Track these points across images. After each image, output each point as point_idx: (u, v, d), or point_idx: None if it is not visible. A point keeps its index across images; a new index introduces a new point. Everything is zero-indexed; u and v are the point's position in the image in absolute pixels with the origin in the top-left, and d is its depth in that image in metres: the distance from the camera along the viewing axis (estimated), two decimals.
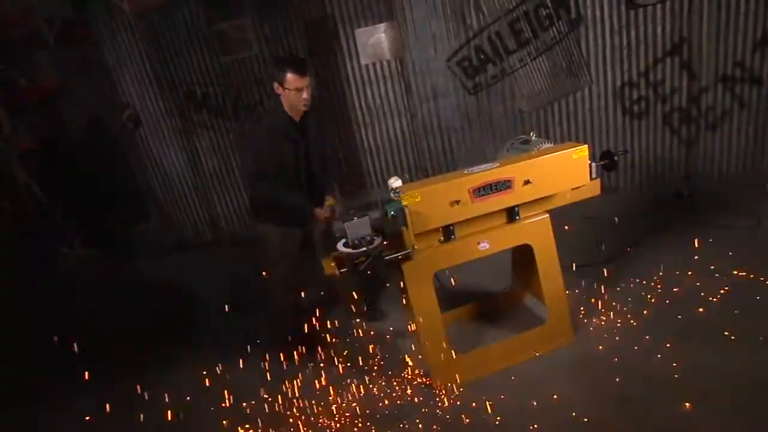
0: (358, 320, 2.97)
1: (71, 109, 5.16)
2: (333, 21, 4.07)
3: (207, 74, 4.52)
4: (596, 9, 3.85)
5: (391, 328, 2.89)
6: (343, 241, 2.06)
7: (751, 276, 2.74)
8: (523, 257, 2.52)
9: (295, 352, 2.69)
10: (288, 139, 2.47)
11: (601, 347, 2.39)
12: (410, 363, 2.51)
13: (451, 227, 2.15)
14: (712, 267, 2.88)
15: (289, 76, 2.36)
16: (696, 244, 3.05)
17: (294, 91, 2.38)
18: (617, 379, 2.16)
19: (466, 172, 2.11)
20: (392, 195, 2.13)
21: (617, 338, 2.44)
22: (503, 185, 2.09)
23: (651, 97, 4.04)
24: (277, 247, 2.63)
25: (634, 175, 4.25)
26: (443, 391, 2.28)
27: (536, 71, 4.04)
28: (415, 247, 2.03)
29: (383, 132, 4.33)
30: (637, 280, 2.92)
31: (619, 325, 2.54)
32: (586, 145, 2.19)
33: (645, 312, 2.61)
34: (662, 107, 4.05)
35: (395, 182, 2.15)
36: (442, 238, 2.17)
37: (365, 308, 3.05)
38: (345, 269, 2.01)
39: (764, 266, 2.77)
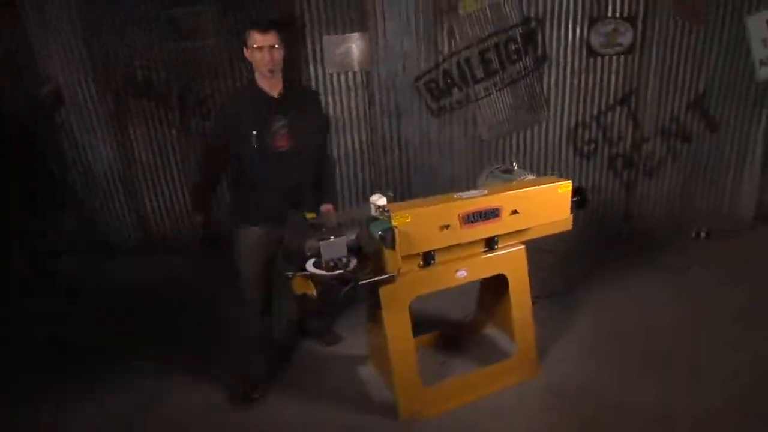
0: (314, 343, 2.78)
1: None
2: (302, 23, 3.90)
3: (152, 58, 4.13)
4: (560, 51, 4.00)
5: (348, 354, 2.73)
6: (314, 260, 1.88)
7: (693, 312, 2.91)
8: (491, 286, 2.48)
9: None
10: (252, 111, 2.15)
11: (567, 378, 2.39)
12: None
13: (433, 252, 2.05)
14: (654, 302, 3.04)
15: (251, 32, 2.13)
16: (638, 281, 3.23)
17: (257, 51, 2.11)
18: (588, 410, 2.16)
19: (455, 196, 2.03)
20: (376, 213, 2.00)
21: (582, 369, 2.46)
22: (492, 213, 2.03)
23: (600, 140, 4.24)
24: (239, 247, 2.35)
25: (577, 213, 4.42)
26: (409, 424, 2.15)
27: (500, 102, 4.11)
28: (400, 270, 1.91)
29: (341, 143, 4.18)
30: (590, 313, 3.00)
31: (580, 356, 2.57)
32: (570, 181, 2.20)
33: (604, 343, 2.67)
34: (609, 150, 4.27)
35: (379, 200, 2.01)
36: (421, 263, 2.07)
37: (319, 331, 2.85)
38: (322, 291, 1.83)
39: (702, 303, 2.97)
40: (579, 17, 3.91)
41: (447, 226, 1.95)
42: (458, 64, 4.01)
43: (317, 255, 1.82)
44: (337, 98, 4.07)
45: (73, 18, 4.08)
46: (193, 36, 4.02)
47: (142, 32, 4.08)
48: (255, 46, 2.11)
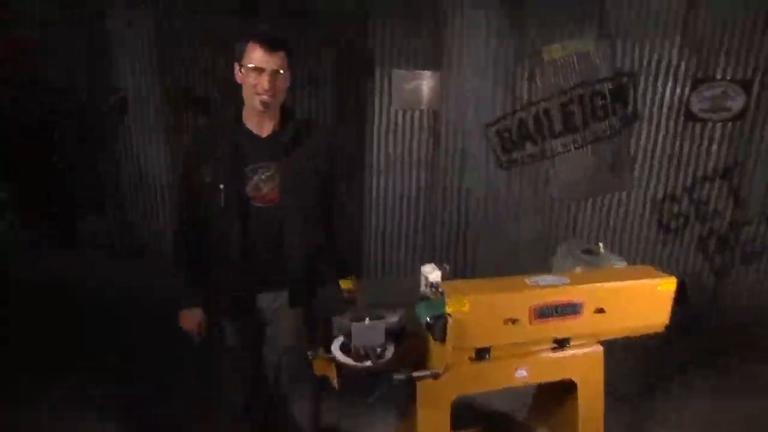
0: None
1: (56, 77, 4.59)
2: (371, 55, 3.67)
3: (215, 78, 4.03)
4: (654, 111, 3.55)
5: None
6: (341, 341, 1.52)
7: None
8: (555, 386, 2.03)
9: None
10: (225, 156, 1.65)
11: None
12: None
13: (489, 346, 1.66)
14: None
15: (251, 46, 1.58)
16: (728, 394, 2.65)
17: (253, 73, 1.57)
18: None
19: (528, 282, 1.63)
20: (427, 290, 1.64)
21: None
22: (571, 309, 1.62)
23: (691, 216, 3.71)
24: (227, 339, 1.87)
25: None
26: None
27: (578, 161, 3.69)
28: (447, 367, 1.52)
29: (397, 183, 3.86)
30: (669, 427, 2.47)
31: None
32: (673, 278, 1.76)
33: None
34: (700, 229, 3.72)
35: (433, 273, 1.65)
36: (473, 356, 1.67)
37: None
38: (345, 381, 1.47)
39: None
40: (680, 76, 3.46)
41: (514, 321, 1.56)
42: (536, 114, 3.64)
43: (348, 335, 1.47)
44: (399, 137, 3.79)
45: (150, 32, 4.10)
46: None
47: (211, 51, 4.01)
48: (252, 66, 1.57)
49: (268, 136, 1.70)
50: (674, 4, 3.29)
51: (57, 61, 4.43)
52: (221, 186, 1.64)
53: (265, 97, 1.59)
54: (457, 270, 3.83)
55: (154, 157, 4.35)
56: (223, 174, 1.65)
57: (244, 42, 1.59)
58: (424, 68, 3.64)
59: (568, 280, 1.67)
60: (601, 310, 1.66)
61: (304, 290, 1.81)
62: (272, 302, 1.80)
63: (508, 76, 3.59)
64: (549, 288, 1.61)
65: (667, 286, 1.73)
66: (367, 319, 1.44)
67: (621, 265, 1.87)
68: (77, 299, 3.54)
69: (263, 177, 1.69)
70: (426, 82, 3.66)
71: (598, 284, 1.65)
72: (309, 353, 1.51)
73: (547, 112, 3.63)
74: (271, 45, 1.58)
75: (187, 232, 1.77)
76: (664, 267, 3.74)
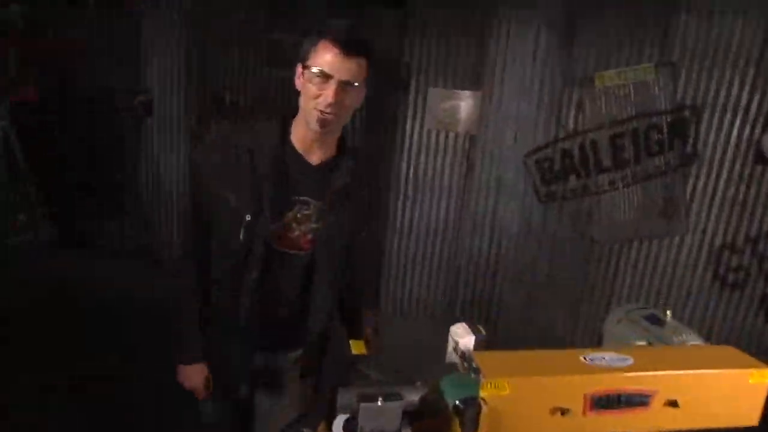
0: None
1: (86, 75, 4.50)
2: (407, 70, 3.42)
3: (244, 82, 3.85)
4: (717, 150, 3.18)
5: None
6: (346, 419, 1.22)
7: None
8: None
9: None
10: (260, 179, 1.29)
11: None
12: None
13: None
14: None
15: (321, 45, 1.21)
16: None
17: (316, 79, 1.21)
18: None
19: (583, 360, 1.30)
20: (456, 358, 1.33)
21: None
22: (637, 400, 1.28)
23: (753, 271, 3.29)
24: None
25: None
26: None
27: (626, 200, 3.33)
28: None
29: (425, 211, 3.57)
30: None
31: None
32: None
33: None
34: (764, 286, 3.30)
35: (464, 338, 1.34)
36: None
37: None
38: None
39: None
40: (751, 114, 3.09)
41: (564, 411, 1.23)
42: (582, 145, 3.31)
43: (354, 413, 1.17)
44: (431, 159, 3.50)
45: (179, 34, 3.97)
46: (287, 64, 3.66)
47: (240, 53, 3.83)
48: (319, 71, 1.19)
49: (318, 166, 1.34)
50: (750, 34, 2.93)
51: (93, 61, 4.38)
52: (247, 217, 1.28)
53: (327, 114, 1.22)
54: (481, 310, 3.50)
55: (173, 163, 4.19)
56: (255, 201, 1.28)
57: (314, 39, 1.22)
58: (462, 88, 3.36)
59: (632, 361, 1.33)
60: (673, 403, 1.31)
61: (318, 352, 1.51)
62: (274, 363, 1.49)
63: (554, 101, 3.28)
64: (610, 371, 1.27)
65: (762, 378, 1.37)
66: (380, 399, 1.13)
67: (695, 341, 1.52)
68: (83, 300, 3.37)
69: (299, 215, 1.33)
70: (464, 103, 3.38)
71: (673, 373, 1.31)
72: (304, 431, 1.21)
73: (594, 143, 3.29)
74: (346, 47, 1.20)
75: (196, 270, 1.40)
76: (716, 322, 3.36)
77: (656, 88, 3.14)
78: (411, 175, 3.53)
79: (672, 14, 3.01)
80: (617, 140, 3.26)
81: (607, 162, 3.30)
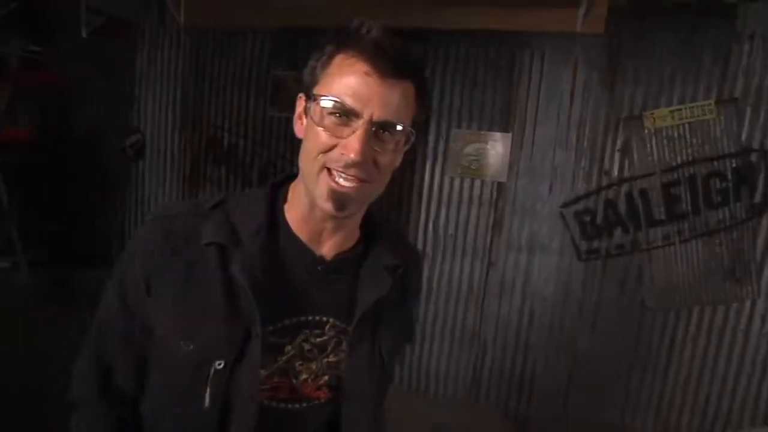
0: None
1: (75, 111, 4.21)
2: (426, 109, 3.02)
3: (243, 123, 3.47)
4: None
5: None
6: None
7: None
8: None
9: None
10: (241, 277, 0.75)
11: None
12: None
13: None
14: None
15: (342, 61, 0.73)
16: None
17: (332, 120, 0.72)
18: None
19: None
20: None
21: None
22: None
23: None
24: None
25: None
26: None
27: (683, 258, 2.83)
28: None
29: (446, 270, 3.09)
30: None
31: None
32: None
33: None
34: None
35: None
36: None
37: None
38: None
39: None
40: None
41: None
42: (629, 195, 2.85)
43: None
44: (453, 212, 3.05)
45: (175, 72, 3.67)
46: (292, 104, 3.29)
47: (240, 92, 3.47)
48: (337, 105, 0.72)
49: (334, 259, 0.83)
50: None
51: (84, 99, 4.10)
52: (217, 365, 0.73)
53: (347, 183, 0.73)
54: (511, 390, 2.97)
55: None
56: (228, 336, 0.74)
57: (329, 51, 0.75)
58: (489, 129, 2.94)
59: None
60: None
61: None
62: None
63: (596, 145, 2.86)
64: None
65: None
66: None
67: None
68: None
69: (306, 347, 0.80)
70: (491, 146, 2.95)
71: None
72: None
73: (644, 193, 2.83)
74: (385, 64, 0.71)
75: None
76: None
77: (717, 128, 2.70)
78: (430, 229, 3.08)
79: (732, 43, 2.60)
80: (671, 189, 2.79)
81: (659, 214, 2.82)
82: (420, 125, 0.79)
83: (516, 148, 2.92)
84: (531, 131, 2.89)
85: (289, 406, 0.81)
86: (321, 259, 0.82)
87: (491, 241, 3.01)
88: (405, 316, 0.93)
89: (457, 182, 3.03)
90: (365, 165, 0.72)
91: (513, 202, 2.94)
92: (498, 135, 2.93)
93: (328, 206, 0.75)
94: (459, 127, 2.98)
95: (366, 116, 0.71)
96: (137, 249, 0.79)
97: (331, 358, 0.82)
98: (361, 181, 0.73)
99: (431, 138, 3.02)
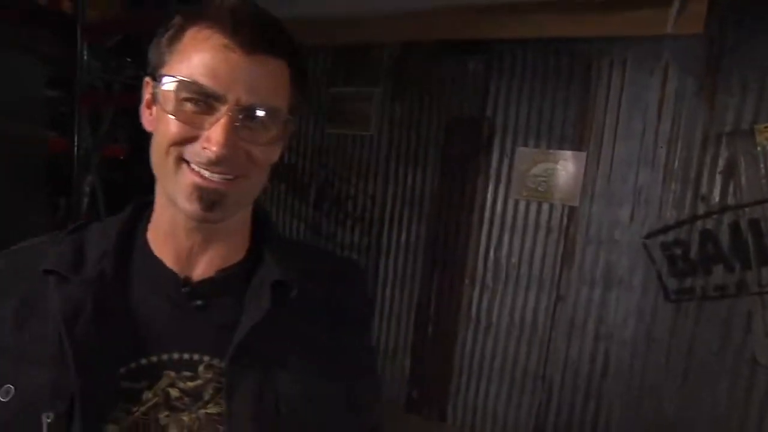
0: None
1: None
2: (489, 127, 2.77)
3: (302, 142, 3.44)
4: None
5: None
6: None
7: None
8: None
9: None
10: (97, 318, 0.59)
11: None
12: None
13: None
14: None
15: (195, 34, 0.57)
16: None
17: (187, 109, 0.57)
18: None
19: None
20: None
21: None
22: None
23: None
24: None
25: None
26: None
27: None
28: None
29: (507, 304, 2.78)
30: None
31: None
32: None
33: None
34: None
35: None
36: None
37: None
38: None
39: None
40: None
41: None
42: (734, 225, 2.36)
43: None
44: (518, 239, 2.75)
45: None
46: (350, 121, 3.20)
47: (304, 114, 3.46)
48: (191, 87, 0.56)
49: (207, 281, 0.66)
50: None
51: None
52: (46, 418, 0.55)
53: (212, 178, 0.58)
54: None
55: None
56: (62, 380, 0.57)
57: (179, 22, 0.60)
58: (560, 148, 2.62)
59: None
60: None
61: None
62: None
63: (691, 165, 2.42)
64: None
65: None
66: None
67: None
68: None
69: (172, 393, 0.62)
70: (562, 166, 2.63)
71: None
72: None
73: (755, 224, 2.33)
74: (252, 36, 0.57)
75: None
76: None
77: None
78: (491, 257, 2.79)
79: None
80: None
81: None
82: (299, 113, 0.63)
83: (591, 169, 2.56)
84: (609, 149, 2.53)
85: None
86: (186, 282, 0.65)
87: (560, 272, 2.65)
88: (338, 356, 0.69)
89: (522, 206, 2.72)
90: (235, 160, 0.58)
91: (586, 229, 2.58)
92: (569, 153, 2.59)
93: (194, 207, 0.59)
94: (525, 145, 2.69)
95: (231, 100, 0.56)
96: None
97: (211, 409, 0.62)
98: (231, 176, 0.59)
99: (494, 157, 2.76)
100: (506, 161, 2.77)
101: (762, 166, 2.30)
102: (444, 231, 2.92)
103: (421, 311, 3.02)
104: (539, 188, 2.69)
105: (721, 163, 2.37)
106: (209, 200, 0.59)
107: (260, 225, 0.72)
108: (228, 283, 0.66)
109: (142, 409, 0.61)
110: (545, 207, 2.69)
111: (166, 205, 0.64)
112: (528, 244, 2.72)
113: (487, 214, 2.79)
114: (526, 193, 2.72)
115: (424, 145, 2.99)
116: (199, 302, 0.64)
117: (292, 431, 0.62)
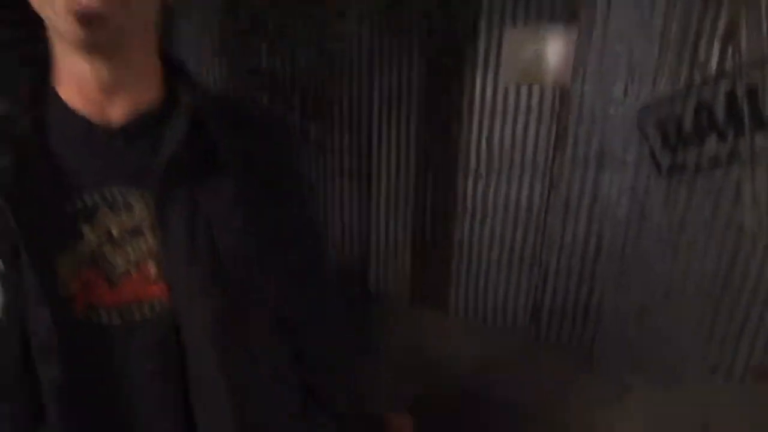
0: None
1: None
2: (475, 11, 2.60)
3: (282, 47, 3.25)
4: None
5: None
6: None
7: None
8: None
9: None
10: (21, 165, 0.59)
11: None
12: None
13: None
14: None
15: None
16: None
17: None
18: None
19: None
20: None
21: None
22: None
23: None
24: None
25: None
26: None
27: None
28: None
29: (502, 191, 2.79)
30: None
31: None
32: None
33: None
34: None
35: None
36: None
37: None
38: None
39: None
40: None
41: None
42: (731, 92, 2.30)
43: None
44: (509, 124, 2.69)
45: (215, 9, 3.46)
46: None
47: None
48: None
49: (125, 126, 0.64)
50: None
51: None
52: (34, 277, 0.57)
53: (90, 5, 0.53)
54: (576, 324, 2.70)
55: None
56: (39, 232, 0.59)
57: None
58: (551, 22, 2.48)
59: None
60: None
61: None
62: None
63: (689, 31, 2.30)
64: None
65: None
66: None
67: None
68: None
69: (115, 231, 0.63)
70: (552, 47, 2.50)
71: None
72: None
73: (752, 89, 2.27)
74: None
75: None
76: None
77: None
78: (483, 145, 2.75)
79: None
80: None
81: None
82: None
83: (583, 46, 2.44)
84: (602, 22, 2.39)
85: (113, 320, 0.62)
86: (106, 127, 0.64)
87: (554, 155, 2.63)
88: (247, 176, 0.68)
89: (512, 91, 2.63)
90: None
91: (579, 109, 2.51)
92: (560, 30, 2.46)
93: (73, 29, 0.54)
94: (514, 25, 2.54)
95: None
96: None
97: (152, 241, 0.64)
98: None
99: (481, 41, 2.62)
100: (494, 44, 2.63)
101: (764, 26, 2.19)
102: (434, 124, 2.85)
103: (417, 207, 3.04)
104: (530, 70, 2.58)
105: (720, 27, 2.25)
106: (86, 16, 0.53)
107: (175, 73, 0.68)
108: (145, 124, 0.65)
109: (87, 248, 0.62)
110: (536, 90, 2.60)
111: (64, 52, 0.61)
112: (520, 129, 2.67)
113: (476, 101, 2.70)
114: (517, 77, 2.62)
115: (407, 32, 2.83)
116: (120, 145, 0.64)
117: (226, 257, 0.64)
